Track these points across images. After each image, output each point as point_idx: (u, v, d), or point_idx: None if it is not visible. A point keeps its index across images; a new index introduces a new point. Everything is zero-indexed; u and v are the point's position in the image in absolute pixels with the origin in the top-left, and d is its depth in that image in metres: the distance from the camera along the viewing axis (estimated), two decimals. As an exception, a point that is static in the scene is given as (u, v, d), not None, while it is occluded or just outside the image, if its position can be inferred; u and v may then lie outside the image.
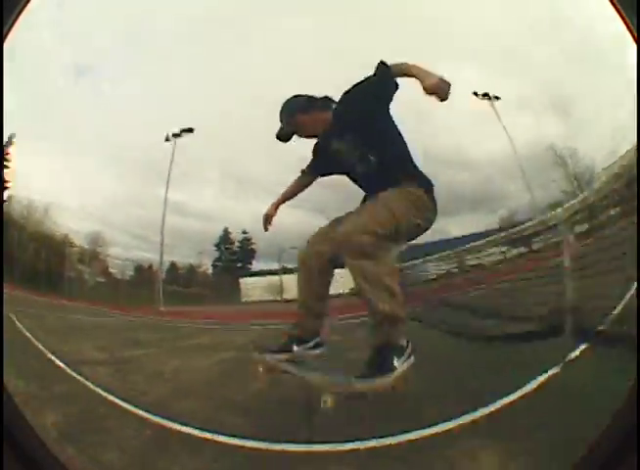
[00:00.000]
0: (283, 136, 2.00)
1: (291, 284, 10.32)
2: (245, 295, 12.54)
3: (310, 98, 2.00)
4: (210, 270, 14.57)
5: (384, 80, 1.80)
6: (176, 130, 11.62)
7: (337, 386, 1.51)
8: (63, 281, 11.77)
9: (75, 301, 10.13)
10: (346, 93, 1.93)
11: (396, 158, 1.84)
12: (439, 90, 1.55)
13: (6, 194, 10.60)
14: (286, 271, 11.39)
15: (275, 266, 11.97)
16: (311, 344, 1.89)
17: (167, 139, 11.56)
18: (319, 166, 2.19)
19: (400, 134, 1.91)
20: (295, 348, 1.87)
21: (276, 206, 2.23)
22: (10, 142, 10.27)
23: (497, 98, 10.14)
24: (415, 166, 1.87)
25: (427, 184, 1.82)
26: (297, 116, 1.95)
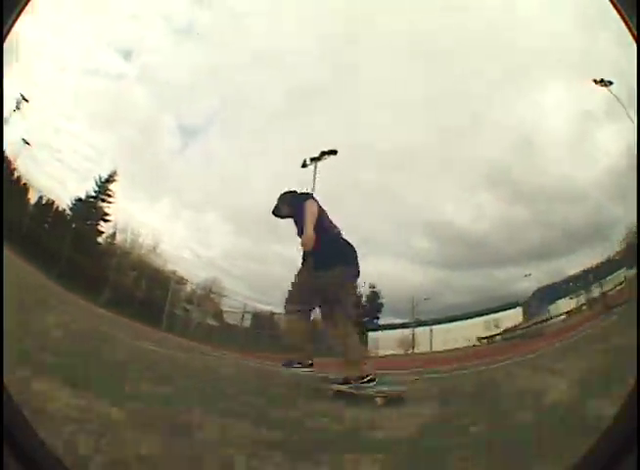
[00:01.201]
0: (277, 213, 3.67)
1: (423, 337, 9.82)
2: (373, 347, 12.09)
3: (289, 195, 3.64)
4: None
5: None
6: (315, 154, 11.52)
7: (379, 392, 2.75)
8: (162, 313, 12.87)
9: (174, 336, 9.74)
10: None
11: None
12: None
13: (108, 226, 12.19)
14: (420, 324, 10.68)
15: (402, 321, 11.29)
16: (364, 379, 2.84)
17: (304, 165, 11.39)
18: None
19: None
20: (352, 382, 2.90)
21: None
22: (112, 179, 11.80)
23: (610, 83, 8.82)
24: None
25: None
26: (281, 206, 3.63)
